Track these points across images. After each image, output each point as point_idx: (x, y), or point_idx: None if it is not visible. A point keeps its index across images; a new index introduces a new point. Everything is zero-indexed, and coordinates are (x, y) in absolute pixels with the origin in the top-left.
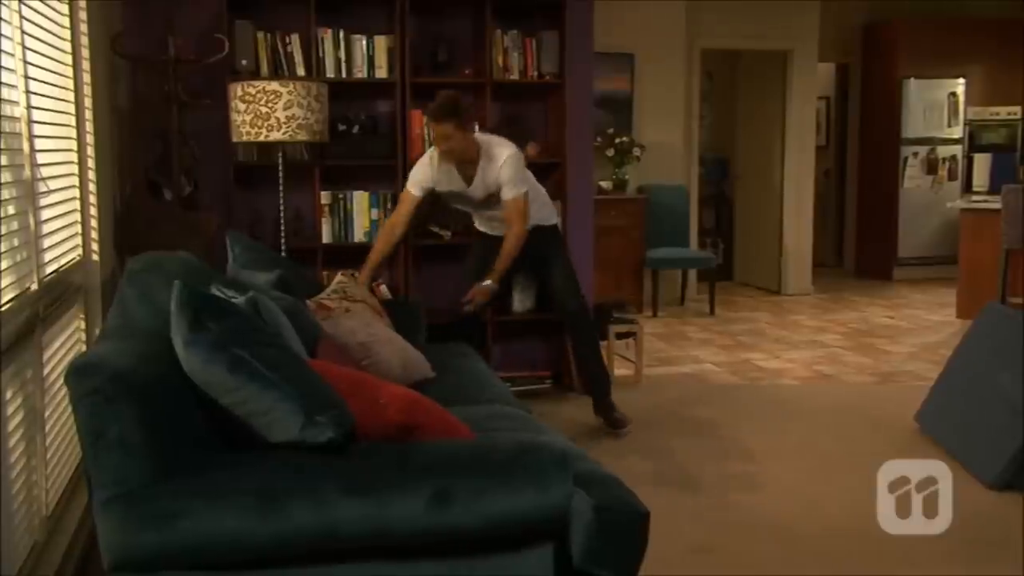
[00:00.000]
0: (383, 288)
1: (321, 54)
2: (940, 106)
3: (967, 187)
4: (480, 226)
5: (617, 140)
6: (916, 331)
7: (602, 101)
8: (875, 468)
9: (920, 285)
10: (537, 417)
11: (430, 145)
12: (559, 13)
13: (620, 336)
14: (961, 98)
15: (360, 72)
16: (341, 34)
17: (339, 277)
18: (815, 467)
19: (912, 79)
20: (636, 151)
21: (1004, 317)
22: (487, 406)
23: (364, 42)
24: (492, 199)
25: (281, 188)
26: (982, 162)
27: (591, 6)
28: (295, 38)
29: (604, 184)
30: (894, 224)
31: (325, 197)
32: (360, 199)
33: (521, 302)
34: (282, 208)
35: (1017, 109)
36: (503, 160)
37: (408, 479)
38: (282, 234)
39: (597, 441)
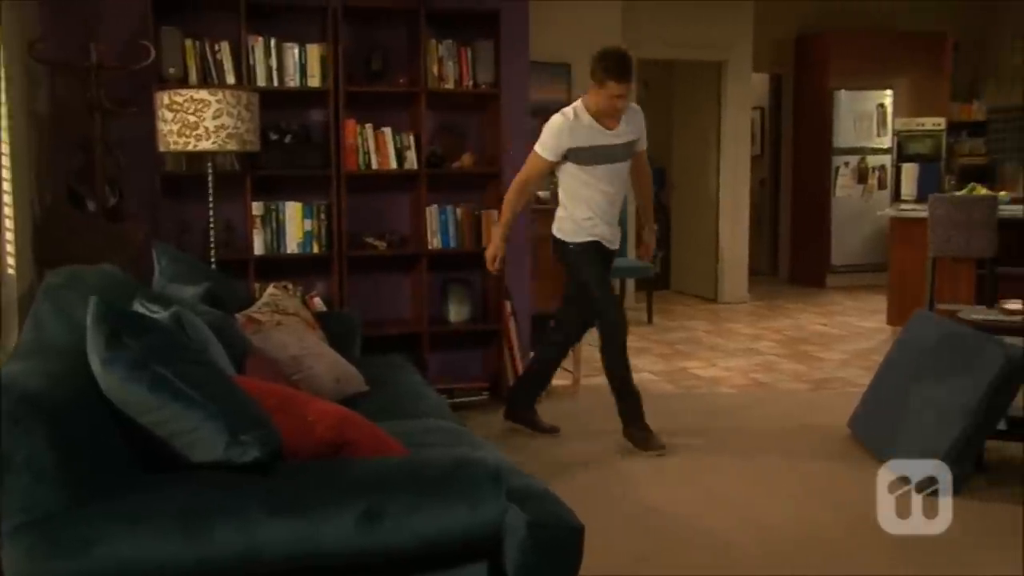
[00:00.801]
0: (317, 300)
1: (252, 62)
2: (869, 117)
3: (896, 196)
4: (600, 192)
5: None
6: (848, 338)
7: (539, 110)
8: (808, 475)
9: (852, 292)
10: (473, 430)
11: (359, 150)
12: (494, 23)
13: None
14: (889, 109)
15: (292, 81)
16: (272, 42)
17: (271, 289)
18: (750, 475)
19: (843, 90)
20: None
21: (932, 324)
22: (421, 420)
23: (296, 50)
24: (628, 149)
25: (211, 199)
26: (910, 171)
27: (526, 16)
28: (224, 46)
29: (542, 194)
30: (827, 232)
31: (257, 208)
32: (293, 210)
33: (457, 312)
34: (212, 219)
35: (941, 120)
36: (639, 110)
37: (337, 498)
38: (211, 246)
39: (533, 454)
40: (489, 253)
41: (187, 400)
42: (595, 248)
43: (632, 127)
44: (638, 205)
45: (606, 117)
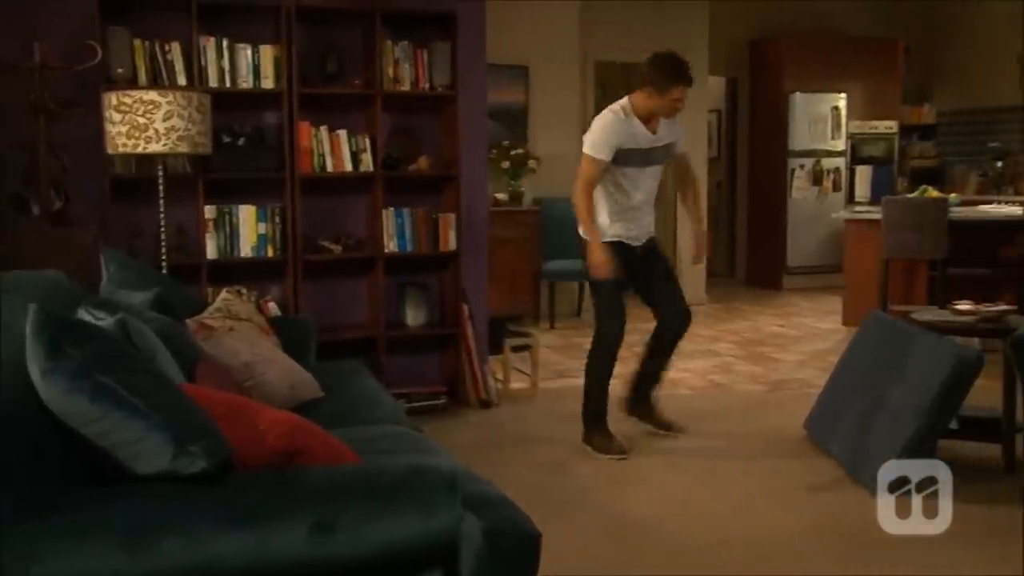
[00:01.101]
0: (271, 305)
1: (204, 63)
2: (824, 119)
3: (850, 198)
4: (625, 194)
5: (512, 152)
6: (805, 339)
7: (497, 112)
8: (764, 477)
9: (808, 293)
10: (430, 435)
11: (314, 152)
12: (451, 24)
13: (516, 349)
14: (843, 112)
15: (245, 82)
16: (225, 43)
17: (223, 294)
18: (708, 478)
19: (797, 93)
20: (532, 163)
21: (886, 325)
22: (377, 426)
23: (249, 51)
24: (665, 152)
25: (162, 202)
26: (863, 174)
27: (483, 18)
28: (175, 46)
29: (500, 196)
30: (783, 234)
31: (209, 211)
32: (247, 213)
33: (414, 316)
34: (163, 223)
35: (893, 124)
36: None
37: (288, 508)
38: (163, 250)
39: (489, 459)
40: (598, 259)
41: (131, 410)
42: (613, 249)
43: (670, 130)
44: (684, 205)
45: (654, 120)
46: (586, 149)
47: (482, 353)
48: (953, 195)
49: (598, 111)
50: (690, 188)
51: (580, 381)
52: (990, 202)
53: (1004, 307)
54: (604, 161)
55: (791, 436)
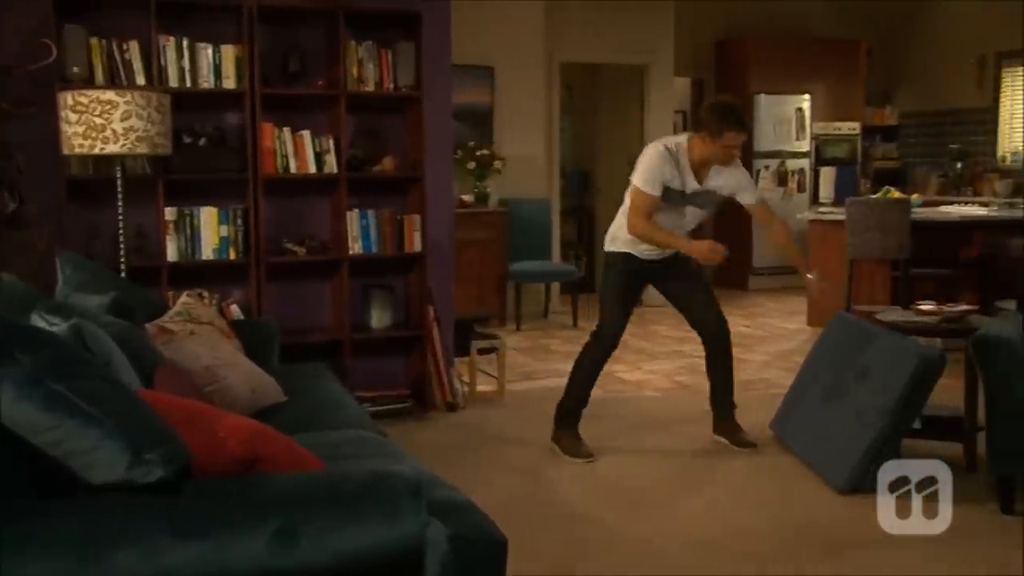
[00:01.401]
0: (234, 308)
1: (163, 62)
2: (788, 121)
3: (815, 199)
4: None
5: (478, 152)
6: (770, 339)
7: (462, 113)
8: (732, 478)
9: (774, 294)
10: (395, 439)
11: (277, 153)
12: (415, 24)
13: (482, 351)
14: (807, 113)
15: (206, 82)
16: (185, 42)
17: (184, 297)
18: (675, 479)
19: (762, 94)
20: (497, 164)
21: (850, 325)
22: (341, 431)
23: (210, 51)
24: (709, 199)
25: (120, 204)
26: (827, 175)
27: (448, 18)
28: (134, 45)
29: (466, 197)
30: (748, 234)
31: (169, 213)
32: (208, 215)
33: (379, 318)
34: (121, 225)
35: (856, 125)
36: (739, 164)
37: (248, 517)
38: (121, 253)
39: (456, 463)
40: (704, 249)
41: (85, 417)
42: (625, 260)
43: (721, 179)
44: (786, 255)
45: (706, 169)
46: (637, 182)
47: (448, 355)
48: (915, 196)
49: (564, 112)
50: (782, 236)
51: (547, 383)
52: (951, 203)
53: (965, 307)
54: (656, 197)
55: (757, 437)
